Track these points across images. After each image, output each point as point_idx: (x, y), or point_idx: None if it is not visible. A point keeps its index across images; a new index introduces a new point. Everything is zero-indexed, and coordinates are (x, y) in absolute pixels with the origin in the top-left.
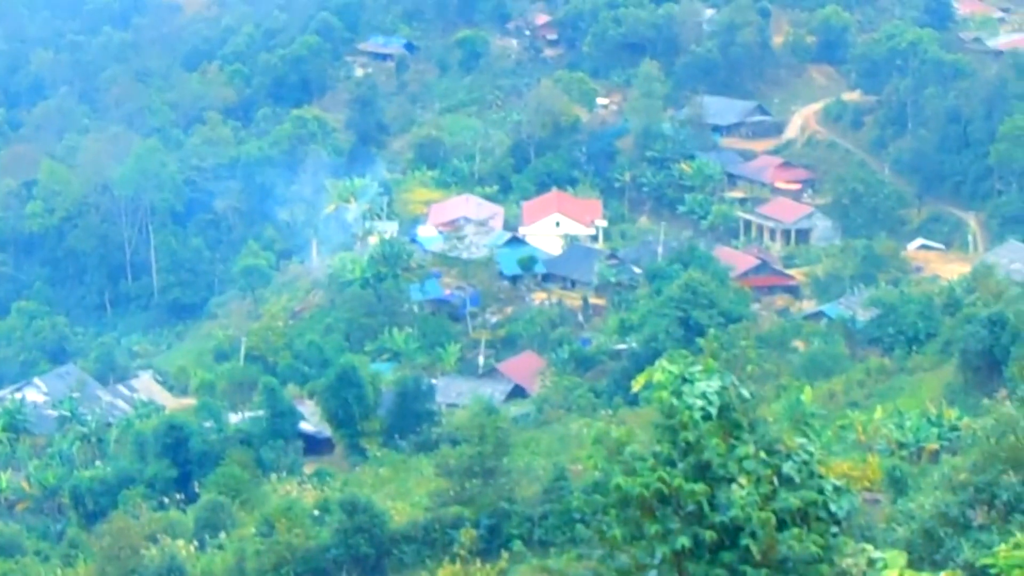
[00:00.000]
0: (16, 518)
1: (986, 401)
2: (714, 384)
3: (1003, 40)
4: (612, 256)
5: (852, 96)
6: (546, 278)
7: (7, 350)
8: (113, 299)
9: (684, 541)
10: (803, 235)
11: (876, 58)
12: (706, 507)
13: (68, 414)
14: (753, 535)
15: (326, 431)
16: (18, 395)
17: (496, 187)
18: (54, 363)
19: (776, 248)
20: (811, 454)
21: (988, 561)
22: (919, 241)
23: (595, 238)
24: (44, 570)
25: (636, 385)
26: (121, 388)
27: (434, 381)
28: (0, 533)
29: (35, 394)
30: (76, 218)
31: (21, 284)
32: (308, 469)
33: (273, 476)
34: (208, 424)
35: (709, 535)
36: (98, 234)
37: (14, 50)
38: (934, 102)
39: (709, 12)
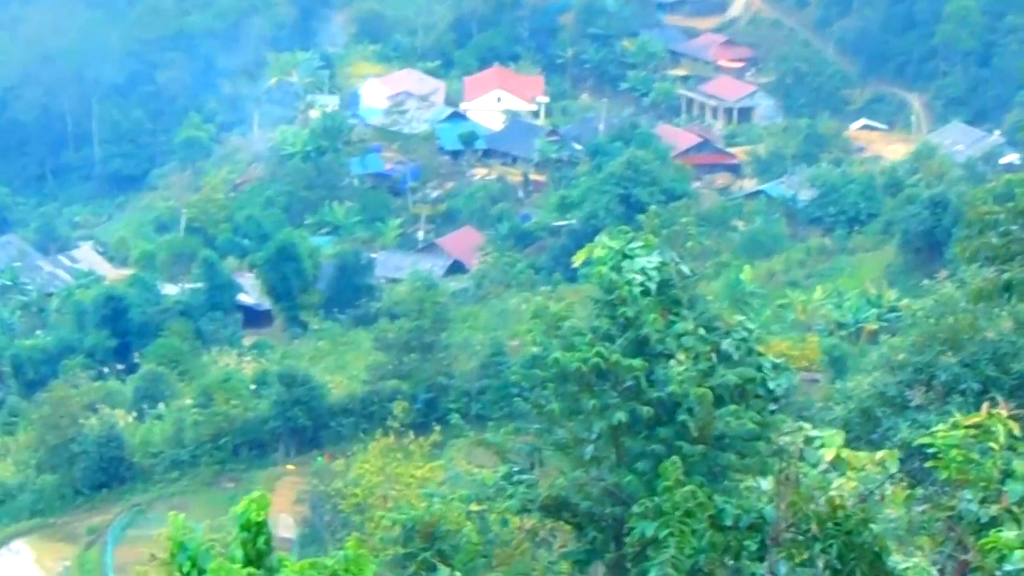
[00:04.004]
0: None
1: (926, 282)
2: (654, 260)
3: None
4: (553, 132)
5: None
6: (487, 154)
7: None
8: (55, 170)
9: (621, 416)
10: (745, 114)
11: None
12: (643, 383)
13: (9, 283)
14: (690, 411)
15: (266, 304)
16: None
17: (438, 62)
18: None
19: (718, 126)
20: (750, 332)
21: (925, 441)
22: (862, 121)
23: (536, 114)
24: None
25: (577, 260)
26: (62, 258)
27: (373, 255)
28: None
29: None
30: (18, 89)
31: None
32: (247, 341)
33: (213, 348)
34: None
35: (646, 411)
36: (40, 105)
37: None
38: None
39: None
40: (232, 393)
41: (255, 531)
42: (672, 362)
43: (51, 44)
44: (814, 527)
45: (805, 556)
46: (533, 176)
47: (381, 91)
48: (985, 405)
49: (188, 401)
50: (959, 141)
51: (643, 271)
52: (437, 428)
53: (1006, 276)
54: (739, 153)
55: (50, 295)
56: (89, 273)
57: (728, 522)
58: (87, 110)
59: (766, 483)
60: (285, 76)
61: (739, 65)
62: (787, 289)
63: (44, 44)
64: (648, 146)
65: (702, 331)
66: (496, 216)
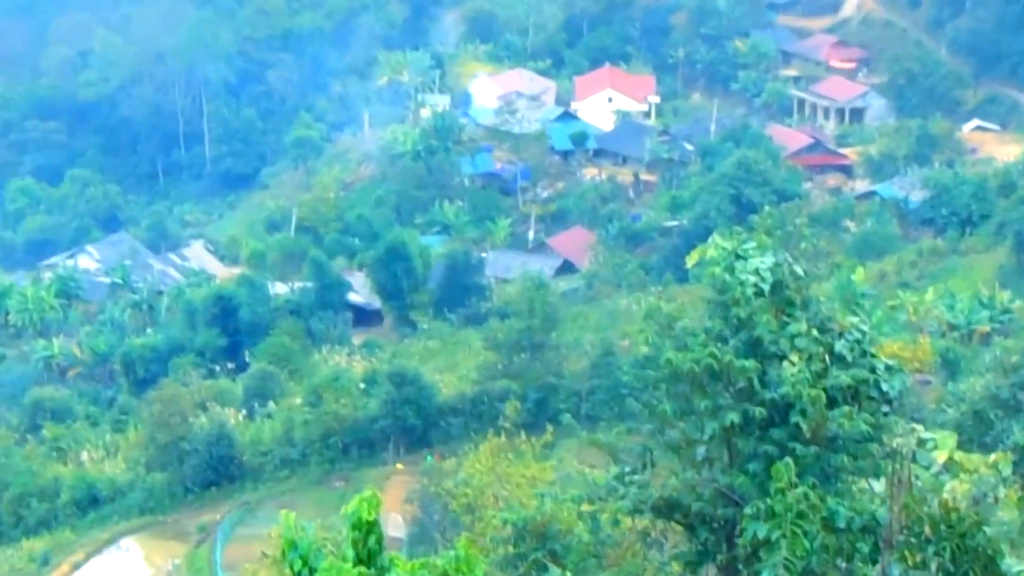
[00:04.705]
0: (68, 384)
1: None
2: (767, 261)
3: None
4: (664, 132)
5: None
6: (597, 153)
7: (60, 217)
8: (166, 168)
9: (734, 417)
10: (857, 114)
11: None
12: (756, 384)
13: (120, 282)
14: (803, 412)
15: (376, 303)
16: (71, 262)
17: (549, 62)
18: (107, 231)
19: (830, 127)
20: (863, 333)
21: None
22: (975, 122)
23: (647, 114)
24: (94, 435)
25: (690, 261)
26: (173, 257)
27: (484, 255)
28: (52, 398)
29: (88, 261)
30: (130, 87)
31: (75, 152)
32: (357, 340)
33: (323, 347)
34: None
35: (759, 412)
36: (151, 103)
37: None
38: None
39: None
40: (342, 392)
41: (366, 530)
42: (785, 363)
43: (162, 43)
44: (927, 530)
45: (918, 559)
46: (644, 176)
47: (492, 90)
48: None
49: (298, 400)
50: None
51: (756, 272)
52: (550, 428)
53: None
54: (851, 154)
55: (161, 294)
56: (200, 272)
57: (841, 524)
58: (198, 109)
59: (879, 485)
60: (396, 75)
61: (851, 65)
62: (899, 290)
63: (155, 43)
64: (759, 146)
65: (815, 332)
66: (606, 216)
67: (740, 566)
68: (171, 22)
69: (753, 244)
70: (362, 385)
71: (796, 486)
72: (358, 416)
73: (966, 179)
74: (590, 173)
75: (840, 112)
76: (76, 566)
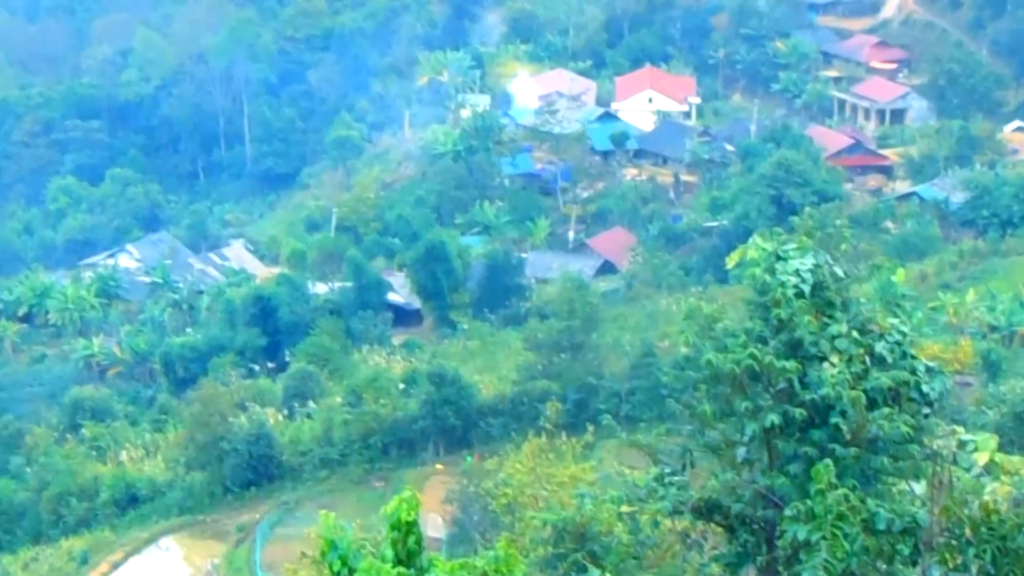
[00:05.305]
0: (108, 383)
1: None
2: (808, 262)
3: None
4: (705, 133)
5: None
6: (638, 154)
7: (101, 217)
8: (206, 168)
9: (774, 418)
10: (898, 115)
11: None
12: (797, 385)
13: (160, 281)
14: (843, 414)
15: (415, 303)
16: (111, 261)
17: (589, 62)
18: (147, 230)
19: (870, 128)
20: (904, 334)
21: None
22: (1016, 123)
23: (688, 115)
24: (134, 434)
25: (730, 262)
26: (213, 256)
27: (524, 255)
28: (92, 397)
29: (128, 261)
30: (171, 87)
31: (115, 151)
32: (397, 340)
33: (362, 347)
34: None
35: (799, 413)
36: (192, 103)
37: None
38: None
39: None
40: (381, 392)
41: (405, 530)
42: (825, 364)
43: (203, 43)
44: (968, 532)
45: (959, 561)
46: (684, 177)
47: (532, 90)
48: None
49: (338, 400)
50: None
51: (797, 273)
52: (590, 429)
53: None
54: (891, 155)
55: (201, 293)
56: (240, 271)
57: (881, 526)
58: (238, 108)
59: (919, 487)
60: (436, 75)
61: (892, 66)
62: (939, 292)
63: (196, 42)
64: (800, 147)
65: (856, 333)
66: (647, 216)
67: (780, 568)
68: (212, 21)
69: (793, 245)
70: (402, 385)
71: (836, 488)
72: (398, 416)
73: (1007, 180)
74: (630, 174)
75: (881, 113)
76: (115, 565)
